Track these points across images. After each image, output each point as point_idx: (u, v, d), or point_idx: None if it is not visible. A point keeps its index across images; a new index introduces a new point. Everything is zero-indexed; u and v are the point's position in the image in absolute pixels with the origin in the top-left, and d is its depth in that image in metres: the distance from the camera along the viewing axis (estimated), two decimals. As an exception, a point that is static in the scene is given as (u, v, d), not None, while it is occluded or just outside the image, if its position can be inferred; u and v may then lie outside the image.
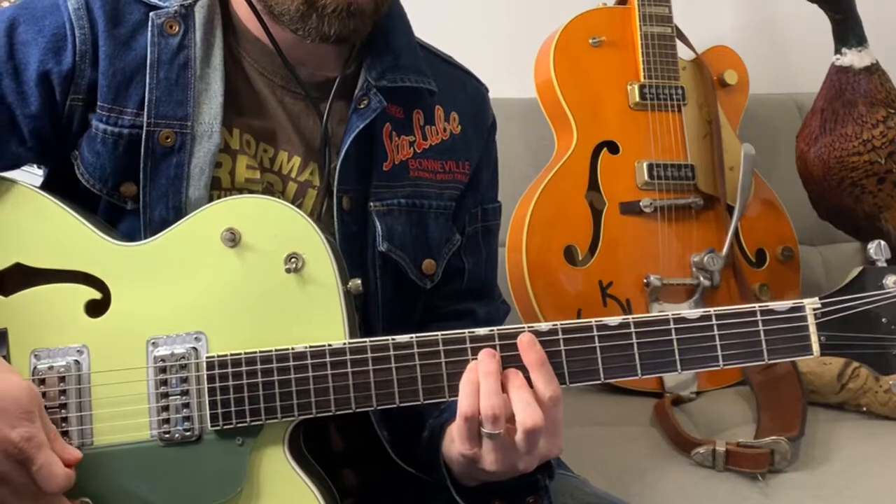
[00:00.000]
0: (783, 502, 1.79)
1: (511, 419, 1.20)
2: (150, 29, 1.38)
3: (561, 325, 1.25)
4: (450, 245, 1.54)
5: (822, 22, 2.30)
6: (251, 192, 1.39)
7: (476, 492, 1.32)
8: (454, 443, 1.24)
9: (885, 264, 1.26)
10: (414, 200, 1.49)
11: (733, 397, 2.21)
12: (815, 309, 1.24)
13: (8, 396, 1.14)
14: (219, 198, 1.36)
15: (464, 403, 1.20)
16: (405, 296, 1.49)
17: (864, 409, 2.08)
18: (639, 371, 1.24)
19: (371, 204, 1.45)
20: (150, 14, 1.38)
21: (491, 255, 1.64)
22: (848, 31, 2.26)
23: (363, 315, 1.44)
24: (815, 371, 2.09)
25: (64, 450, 1.19)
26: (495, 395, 1.19)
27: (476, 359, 1.23)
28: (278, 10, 1.37)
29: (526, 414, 1.18)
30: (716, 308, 1.25)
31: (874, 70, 2.26)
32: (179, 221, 1.32)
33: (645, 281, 2.25)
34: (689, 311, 1.25)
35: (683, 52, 2.46)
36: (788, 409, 2.02)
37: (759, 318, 1.24)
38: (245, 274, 1.28)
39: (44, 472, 1.14)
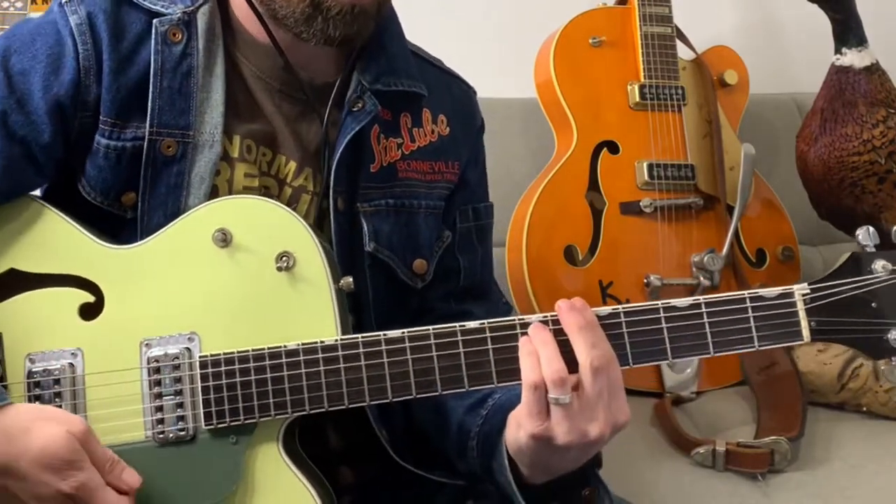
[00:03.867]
0: (783, 502, 1.79)
1: (575, 386, 1.19)
2: (153, 36, 1.37)
3: (551, 316, 1.25)
4: (440, 242, 1.55)
5: (822, 22, 2.30)
6: None
7: (536, 494, 1.29)
8: (521, 427, 1.21)
9: (873, 250, 1.26)
10: (403, 201, 1.49)
11: (733, 397, 2.20)
12: (804, 294, 1.24)
13: (49, 450, 1.15)
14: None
15: (529, 374, 1.19)
16: (397, 296, 1.49)
17: (864, 409, 2.08)
18: (630, 360, 1.24)
19: (358, 205, 1.45)
20: (154, 21, 1.38)
21: (486, 255, 1.64)
22: (848, 31, 2.26)
23: (356, 316, 1.44)
24: (815, 371, 2.08)
25: (120, 480, 1.21)
26: (557, 360, 1.18)
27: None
28: (282, 13, 1.36)
29: (593, 355, 1.18)
30: (705, 296, 1.25)
31: (874, 70, 2.26)
32: (171, 223, 1.32)
33: (645, 281, 2.25)
34: (679, 299, 1.25)
35: (683, 52, 2.46)
36: (788, 409, 2.02)
37: (748, 304, 1.24)
38: (237, 274, 1.29)
39: None
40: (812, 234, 2.60)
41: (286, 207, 1.32)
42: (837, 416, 2.08)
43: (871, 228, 1.27)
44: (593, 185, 2.31)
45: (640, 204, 2.29)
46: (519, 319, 1.25)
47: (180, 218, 1.32)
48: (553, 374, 1.17)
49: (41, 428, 1.16)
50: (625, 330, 1.24)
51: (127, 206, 1.37)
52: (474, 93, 1.67)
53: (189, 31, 1.39)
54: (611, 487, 1.46)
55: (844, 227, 2.41)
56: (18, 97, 1.34)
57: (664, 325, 1.24)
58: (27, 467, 1.14)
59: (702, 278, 2.27)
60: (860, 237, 1.27)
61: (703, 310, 1.24)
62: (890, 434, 2.00)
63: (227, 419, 1.25)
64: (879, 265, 1.25)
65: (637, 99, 2.35)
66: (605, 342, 1.21)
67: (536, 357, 1.20)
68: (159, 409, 1.26)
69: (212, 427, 1.26)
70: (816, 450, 1.94)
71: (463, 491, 1.43)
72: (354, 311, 1.42)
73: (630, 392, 2.18)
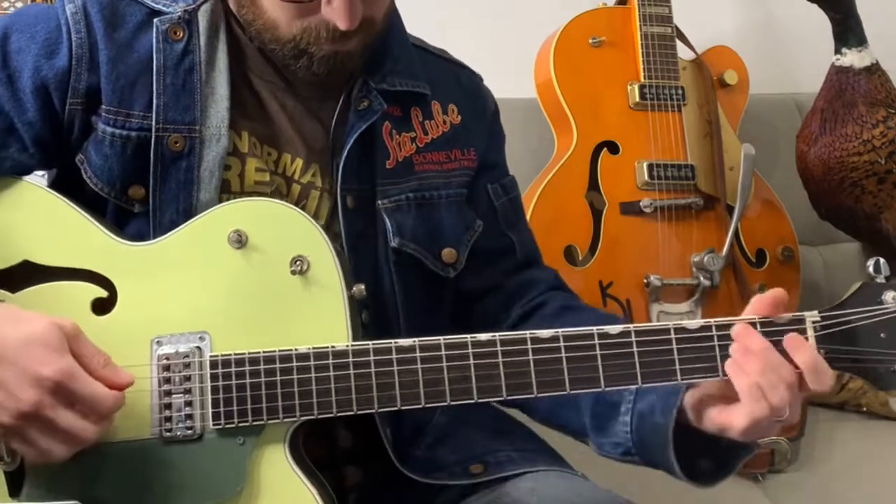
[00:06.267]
0: (783, 502, 1.80)
1: None
2: (154, 35, 1.38)
3: (562, 332, 1.25)
4: (471, 231, 1.55)
5: (822, 22, 2.31)
6: (260, 194, 1.40)
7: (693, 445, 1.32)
8: (730, 430, 1.24)
9: (883, 281, 1.28)
10: (423, 193, 1.49)
11: (733, 397, 2.21)
12: (814, 322, 1.25)
13: (34, 339, 1.15)
14: (228, 201, 1.36)
15: (755, 408, 1.20)
16: (428, 290, 1.50)
17: (864, 409, 2.08)
18: (639, 380, 1.25)
19: (379, 202, 1.46)
20: (154, 20, 1.39)
21: (526, 224, 1.67)
22: (848, 31, 2.26)
23: (378, 317, 1.44)
24: (815, 371, 2.09)
25: (115, 374, 1.20)
26: (782, 389, 1.20)
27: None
28: (270, 47, 1.39)
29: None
30: (716, 319, 1.26)
31: (874, 70, 2.26)
32: (187, 222, 1.33)
33: (645, 281, 2.25)
34: (690, 321, 1.26)
35: (683, 52, 2.46)
36: (788, 409, 2.02)
37: (759, 329, 1.25)
38: (251, 275, 1.29)
39: (86, 398, 1.16)
40: (812, 234, 2.61)
41: (303, 212, 1.32)
42: (837, 416, 2.09)
43: (882, 260, 1.29)
44: (593, 185, 2.31)
45: (640, 204, 2.29)
46: (531, 334, 1.26)
47: (196, 217, 1.33)
48: (779, 403, 1.20)
49: (30, 318, 1.17)
50: (635, 349, 1.25)
51: (134, 200, 1.37)
52: (481, 79, 1.68)
53: (190, 28, 1.40)
54: (611, 488, 1.46)
55: (844, 227, 2.42)
56: (10, 73, 1.36)
57: (675, 346, 1.25)
58: (14, 351, 1.14)
59: (702, 278, 2.27)
60: (871, 268, 1.29)
61: (714, 332, 1.25)
62: (890, 434, 2.01)
63: (236, 420, 1.25)
64: (889, 297, 1.26)
65: (637, 99, 2.35)
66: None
67: (760, 390, 1.21)
68: (168, 406, 1.26)
69: (219, 427, 1.25)
70: (816, 450, 1.94)
71: (463, 491, 1.43)
72: (375, 312, 1.43)
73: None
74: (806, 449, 1.93)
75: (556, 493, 1.37)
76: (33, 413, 1.14)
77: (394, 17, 1.52)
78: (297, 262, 1.28)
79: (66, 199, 1.33)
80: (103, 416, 1.18)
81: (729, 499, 1.82)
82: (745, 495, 1.82)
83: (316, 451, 1.34)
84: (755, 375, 1.21)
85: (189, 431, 1.26)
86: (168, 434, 1.26)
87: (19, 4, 2.31)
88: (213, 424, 1.25)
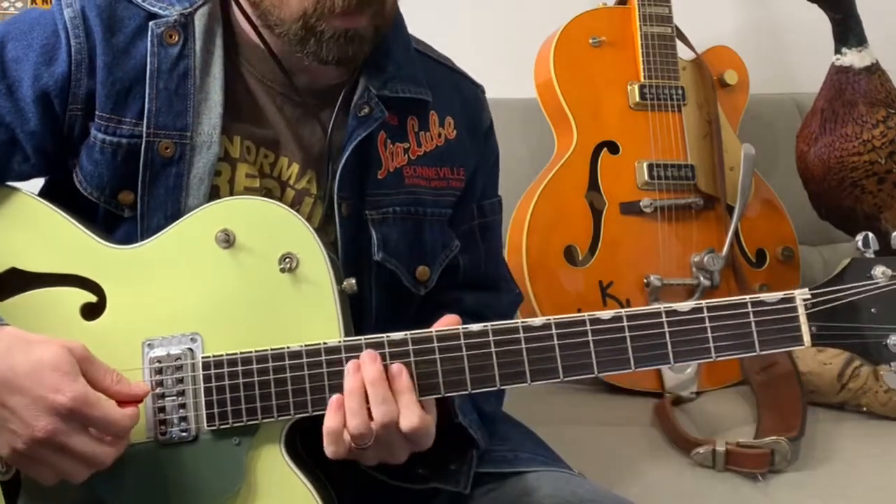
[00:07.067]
0: (783, 502, 1.79)
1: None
2: (149, 38, 1.37)
3: (554, 319, 1.25)
4: (447, 251, 1.54)
5: (822, 22, 2.30)
6: None
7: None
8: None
9: (872, 255, 1.27)
10: (409, 208, 1.48)
11: (733, 397, 2.21)
12: (805, 300, 1.25)
13: (44, 365, 1.15)
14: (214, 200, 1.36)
15: (330, 421, 1.23)
16: (398, 303, 1.50)
17: (864, 409, 2.08)
18: (632, 364, 1.25)
19: (367, 212, 1.45)
20: (150, 23, 1.38)
21: (492, 251, 1.65)
22: (848, 31, 2.26)
23: (357, 323, 1.43)
24: (815, 371, 2.09)
25: (130, 389, 1.22)
26: (360, 415, 1.22)
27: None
28: (278, 30, 1.36)
29: (379, 412, 1.22)
30: (707, 300, 1.26)
31: (874, 70, 2.26)
32: (174, 224, 1.33)
33: (645, 281, 2.25)
34: (681, 304, 1.25)
35: (683, 52, 2.47)
36: (788, 409, 2.02)
37: (749, 309, 1.25)
38: (240, 274, 1.29)
39: (101, 422, 1.17)
40: (812, 234, 2.60)
41: (289, 209, 1.32)
42: (837, 416, 2.08)
43: (871, 234, 1.28)
44: (593, 185, 2.31)
45: (640, 204, 2.29)
46: (522, 322, 1.25)
47: (183, 218, 1.33)
48: (352, 429, 1.22)
49: (39, 341, 1.17)
50: (627, 334, 1.25)
51: (124, 205, 1.37)
52: (483, 91, 1.66)
53: (185, 32, 1.39)
54: (611, 487, 1.46)
55: (844, 227, 2.41)
56: (9, 83, 1.35)
57: (666, 329, 1.25)
58: (25, 378, 1.14)
59: (702, 278, 2.27)
60: (860, 243, 1.28)
61: (706, 314, 1.25)
62: (890, 434, 2.00)
63: (230, 420, 1.25)
64: (879, 271, 1.25)
65: (637, 99, 2.36)
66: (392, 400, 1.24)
67: (342, 406, 1.24)
68: (162, 409, 1.26)
69: (214, 428, 1.26)
70: (816, 450, 1.93)
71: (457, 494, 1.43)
72: (355, 317, 1.42)
73: (630, 392, 2.20)
74: (806, 449, 1.92)
75: (555, 492, 1.37)
76: (47, 440, 1.14)
77: (398, 21, 1.51)
78: (286, 260, 1.28)
79: (50, 205, 1.34)
80: (120, 436, 1.19)
81: (729, 499, 1.81)
82: (745, 495, 1.81)
83: (312, 448, 1.33)
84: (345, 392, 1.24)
85: (184, 434, 1.26)
86: (163, 437, 1.26)
87: (19, 5, 2.31)
88: (208, 426, 1.26)
